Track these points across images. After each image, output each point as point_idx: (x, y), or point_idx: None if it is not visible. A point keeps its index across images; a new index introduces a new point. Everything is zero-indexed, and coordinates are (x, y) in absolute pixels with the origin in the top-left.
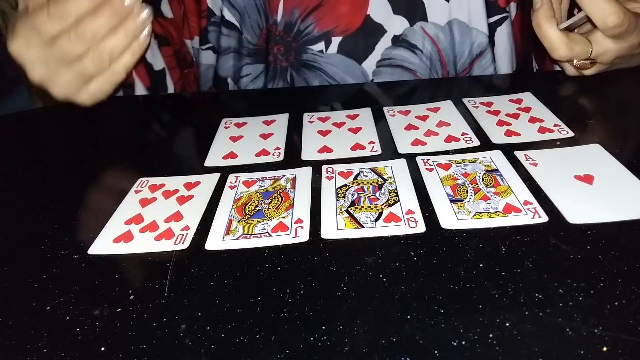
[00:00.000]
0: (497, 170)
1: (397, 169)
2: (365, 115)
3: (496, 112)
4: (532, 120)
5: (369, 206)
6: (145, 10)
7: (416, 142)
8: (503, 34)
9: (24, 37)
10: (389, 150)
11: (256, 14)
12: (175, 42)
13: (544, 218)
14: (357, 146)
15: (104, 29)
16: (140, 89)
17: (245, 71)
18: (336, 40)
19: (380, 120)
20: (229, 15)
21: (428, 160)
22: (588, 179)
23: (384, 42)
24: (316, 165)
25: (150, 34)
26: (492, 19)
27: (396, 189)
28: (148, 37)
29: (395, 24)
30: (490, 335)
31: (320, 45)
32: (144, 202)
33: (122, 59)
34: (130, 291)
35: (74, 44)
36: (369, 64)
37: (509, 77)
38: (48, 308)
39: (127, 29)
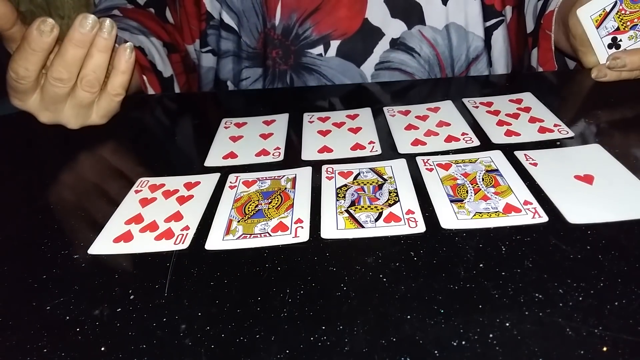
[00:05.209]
0: (497, 170)
1: (397, 169)
2: (365, 115)
3: (496, 112)
4: (532, 120)
5: (369, 206)
6: (107, 21)
7: (416, 142)
8: (499, 37)
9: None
10: (389, 150)
11: (254, 17)
12: (181, 48)
13: (544, 218)
14: (357, 146)
15: (77, 58)
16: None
17: (245, 74)
18: (335, 44)
19: (380, 120)
20: (227, 19)
21: (428, 160)
22: (588, 179)
23: (382, 45)
24: (316, 165)
25: (133, 48)
26: (489, 23)
27: (396, 189)
28: (132, 53)
29: (393, 28)
30: (490, 335)
31: (319, 49)
32: (144, 202)
33: (117, 79)
34: (130, 291)
35: (57, 83)
36: (368, 67)
37: (509, 77)
38: (48, 308)
39: (98, 46)
